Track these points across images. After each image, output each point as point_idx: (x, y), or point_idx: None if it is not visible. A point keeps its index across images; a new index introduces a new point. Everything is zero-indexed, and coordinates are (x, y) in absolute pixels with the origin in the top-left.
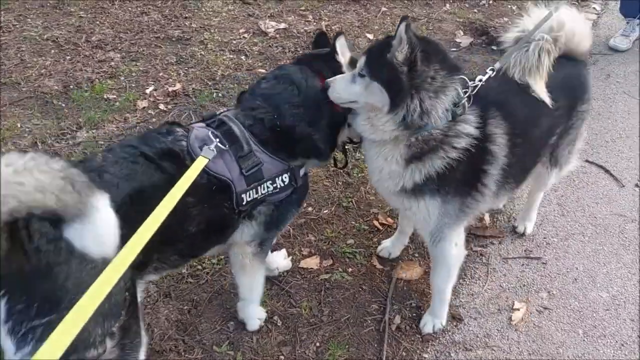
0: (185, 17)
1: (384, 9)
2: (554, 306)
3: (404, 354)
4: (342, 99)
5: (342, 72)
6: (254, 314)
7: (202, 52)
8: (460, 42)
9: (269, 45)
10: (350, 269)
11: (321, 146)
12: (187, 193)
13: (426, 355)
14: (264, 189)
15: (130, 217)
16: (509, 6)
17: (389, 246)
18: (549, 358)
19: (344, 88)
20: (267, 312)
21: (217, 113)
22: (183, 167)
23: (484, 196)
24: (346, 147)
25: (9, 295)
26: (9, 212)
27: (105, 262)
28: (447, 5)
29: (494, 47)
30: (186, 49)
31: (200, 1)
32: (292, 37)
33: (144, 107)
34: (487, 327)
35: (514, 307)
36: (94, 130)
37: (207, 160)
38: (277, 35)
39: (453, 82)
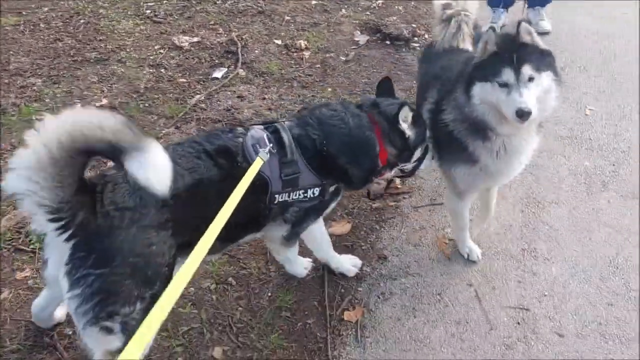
0: (100, 40)
1: (287, 17)
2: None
3: (342, 290)
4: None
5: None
6: (298, 266)
7: (122, 70)
8: (358, 41)
9: (186, 58)
10: None
11: (354, 180)
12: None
13: (360, 289)
14: (295, 195)
15: (189, 204)
16: (396, 7)
17: None
18: (457, 273)
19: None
20: (221, 276)
21: (278, 120)
22: (234, 164)
23: None
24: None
25: (75, 241)
26: (73, 139)
27: (158, 206)
28: (343, 10)
29: (388, 42)
30: (106, 68)
31: (112, 24)
32: (207, 49)
33: None
34: (407, 260)
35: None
36: None
37: (263, 161)
38: (192, 48)
39: None
